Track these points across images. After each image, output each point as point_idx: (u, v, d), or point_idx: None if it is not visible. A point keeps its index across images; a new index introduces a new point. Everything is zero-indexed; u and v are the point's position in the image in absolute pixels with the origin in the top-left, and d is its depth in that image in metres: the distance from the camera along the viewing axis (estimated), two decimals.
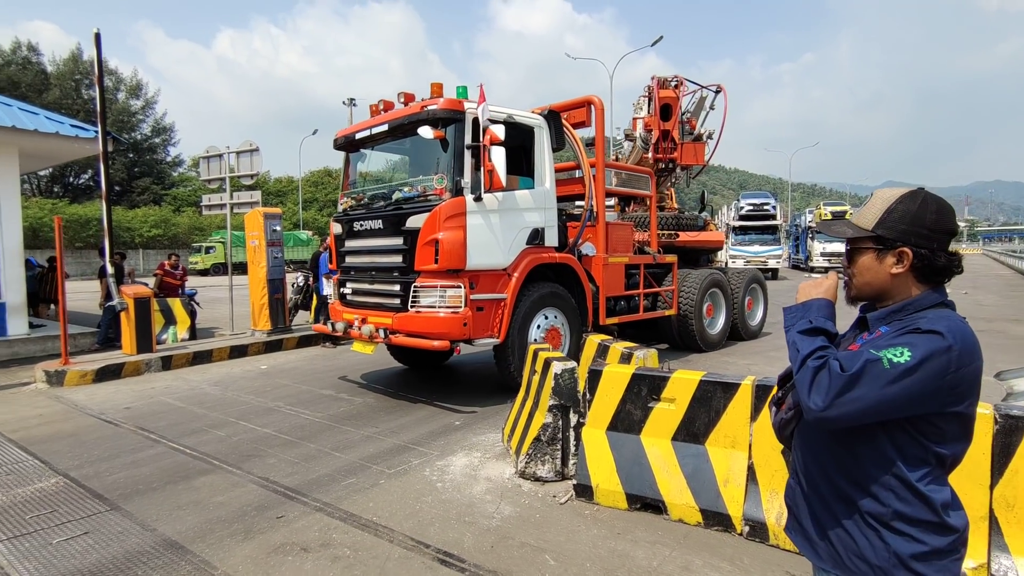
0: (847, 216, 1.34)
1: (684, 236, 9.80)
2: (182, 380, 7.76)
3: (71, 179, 46.96)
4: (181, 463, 4.65)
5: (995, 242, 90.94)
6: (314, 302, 11.07)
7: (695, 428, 3.57)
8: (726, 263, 27.14)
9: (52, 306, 12.62)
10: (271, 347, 9.87)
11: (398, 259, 6.15)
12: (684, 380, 3.62)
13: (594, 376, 3.94)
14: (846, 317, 1.54)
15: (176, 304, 10.21)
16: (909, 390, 1.22)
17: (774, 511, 3.23)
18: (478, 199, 5.78)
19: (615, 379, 3.86)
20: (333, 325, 6.69)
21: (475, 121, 5.77)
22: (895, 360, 1.23)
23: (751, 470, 3.37)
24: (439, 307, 5.73)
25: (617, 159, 10.72)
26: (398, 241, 6.10)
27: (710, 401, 3.52)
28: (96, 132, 9.33)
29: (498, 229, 6.05)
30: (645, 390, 3.74)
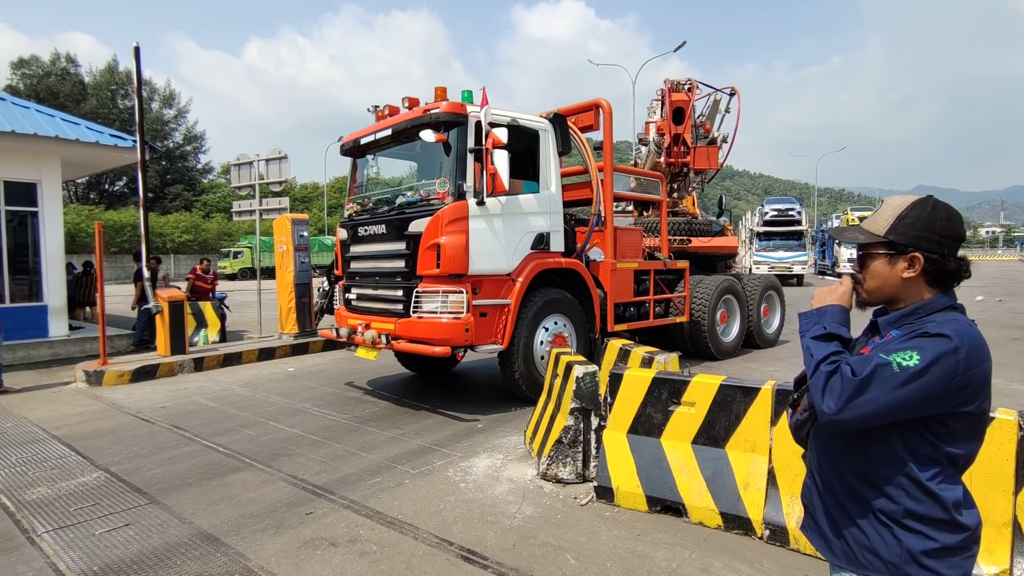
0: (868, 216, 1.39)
1: (696, 242, 9.68)
2: (213, 381, 8.01)
3: (107, 186, 48.45)
4: (215, 460, 4.83)
5: None
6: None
7: (715, 432, 3.61)
8: (749, 269, 26.87)
9: (88, 309, 13.08)
10: (298, 350, 10.09)
11: (401, 264, 6.11)
12: (704, 384, 3.66)
13: (615, 380, 4.00)
14: (861, 322, 1.60)
15: (207, 308, 10.53)
16: (919, 392, 1.27)
17: (794, 515, 3.25)
18: (481, 203, 5.74)
19: (636, 383, 3.91)
20: (337, 331, 6.68)
21: (478, 125, 5.77)
22: (904, 364, 1.27)
23: (771, 474, 3.40)
24: (441, 312, 5.67)
25: (636, 164, 10.66)
26: (401, 246, 6.06)
27: (730, 405, 3.56)
28: (133, 141, 9.70)
29: (501, 233, 6.00)
30: (665, 394, 3.79)
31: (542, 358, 6.23)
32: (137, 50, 8.87)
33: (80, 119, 10.69)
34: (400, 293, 6.11)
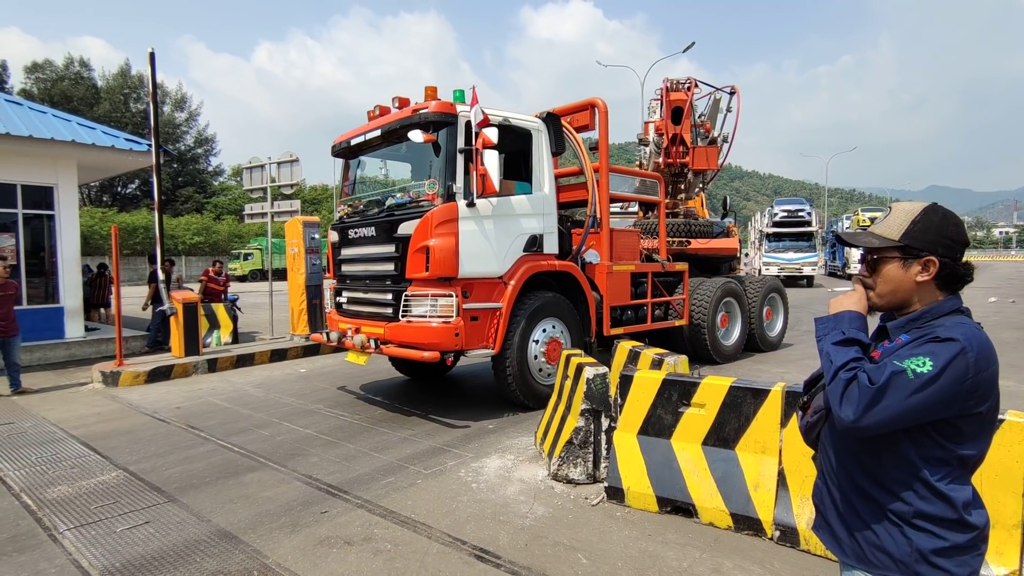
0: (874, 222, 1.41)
1: (696, 243, 9.52)
2: (227, 382, 8.11)
3: (119, 189, 48.99)
4: (230, 460, 4.91)
5: None
6: None
7: (725, 433, 3.64)
8: (759, 270, 26.76)
9: (103, 310, 13.27)
10: (309, 351, 10.19)
11: (390, 267, 6.00)
12: (715, 386, 3.69)
13: (625, 381, 4.04)
14: (870, 328, 1.63)
15: (220, 309, 10.66)
16: (933, 397, 1.30)
17: (805, 516, 3.27)
18: (471, 205, 5.63)
19: (646, 384, 3.94)
20: (327, 335, 6.56)
21: (468, 124, 5.65)
22: (918, 370, 1.31)
23: (781, 475, 3.42)
24: (430, 316, 5.58)
25: (641, 165, 10.53)
26: (390, 248, 5.96)
27: (740, 407, 3.59)
28: (148, 145, 9.84)
29: (492, 236, 5.88)
30: (676, 395, 3.82)
31: (535, 356, 6.17)
32: (152, 56, 9.01)
33: (95, 123, 10.86)
34: (389, 296, 6.02)
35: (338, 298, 6.86)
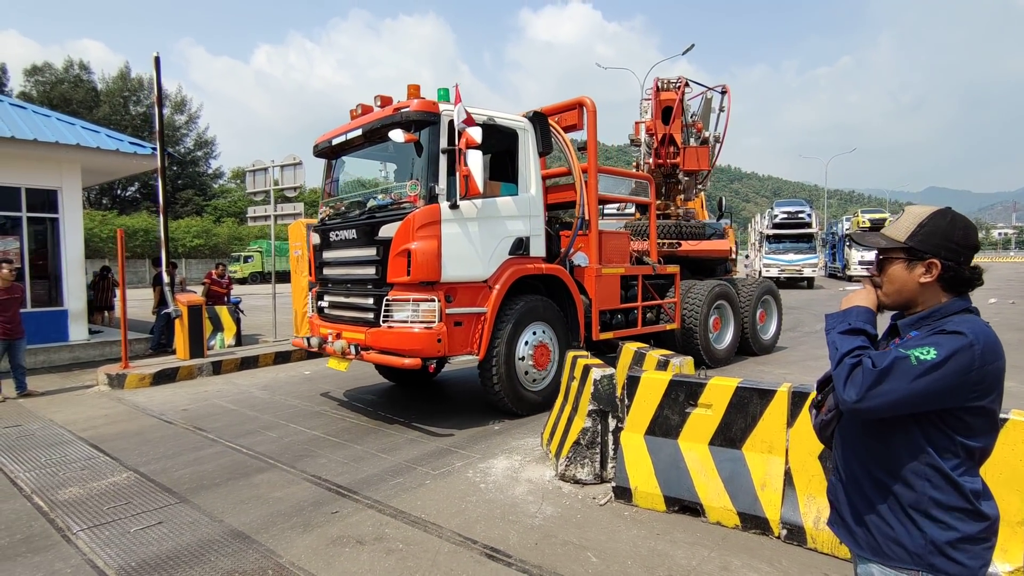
0: (887, 223, 1.47)
1: (686, 245, 9.35)
2: (232, 384, 8.14)
3: (119, 191, 49.01)
4: (240, 461, 4.95)
5: None
6: None
7: (732, 433, 3.68)
8: (759, 272, 26.81)
9: (106, 313, 13.30)
10: (313, 353, 10.18)
11: (371, 271, 5.83)
12: (721, 387, 3.73)
13: (632, 382, 4.08)
14: (882, 327, 1.68)
15: (223, 312, 10.69)
16: (935, 385, 1.35)
17: (811, 515, 3.32)
18: (454, 206, 5.49)
19: (653, 385, 3.99)
20: (308, 340, 6.40)
21: (451, 124, 5.49)
22: (922, 357, 1.36)
23: (788, 475, 3.46)
24: (412, 322, 5.41)
25: (638, 167, 10.40)
26: (371, 252, 5.78)
27: (747, 407, 3.63)
28: (152, 149, 9.88)
29: (477, 238, 5.73)
30: (682, 396, 3.87)
31: (522, 362, 6.03)
32: (157, 60, 9.05)
33: (99, 127, 10.91)
34: (371, 301, 5.84)
35: (319, 302, 6.68)
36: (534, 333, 6.15)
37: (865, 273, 27.61)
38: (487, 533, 3.56)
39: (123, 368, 8.25)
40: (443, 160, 5.53)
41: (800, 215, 27.27)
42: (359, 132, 6.03)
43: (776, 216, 27.51)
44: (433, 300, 5.40)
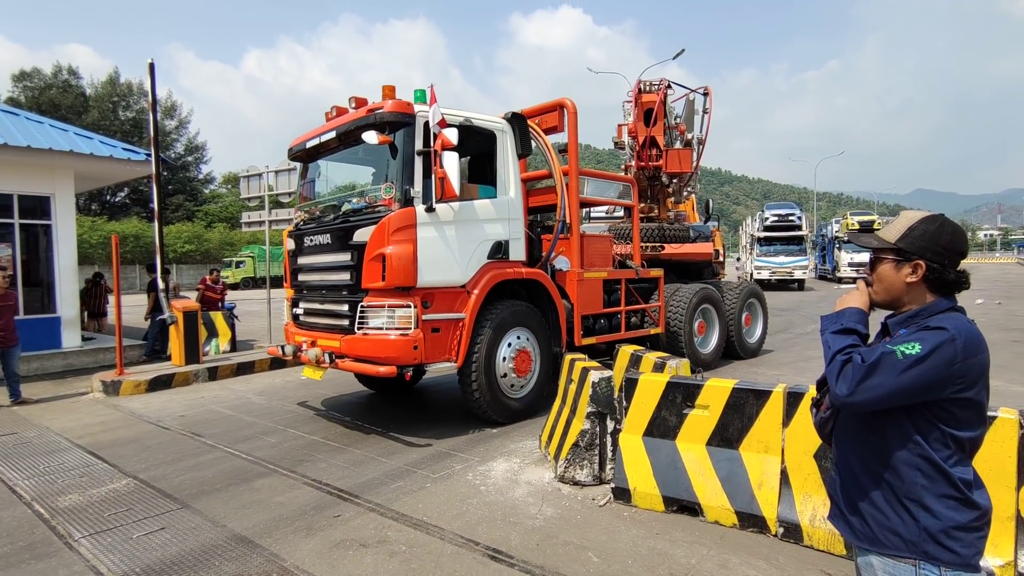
0: (875, 226, 1.54)
1: (670, 248, 9.25)
2: (228, 390, 8.14)
3: (108, 197, 48.64)
4: (239, 467, 4.96)
5: None
6: None
7: (729, 433, 3.75)
8: (751, 274, 27.03)
9: (98, 319, 13.21)
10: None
11: (346, 276, 5.69)
12: (718, 388, 3.80)
13: (630, 384, 4.15)
14: (875, 327, 1.76)
15: (218, 318, 10.67)
16: (921, 377, 1.43)
17: (807, 513, 3.38)
18: (430, 209, 5.37)
19: (651, 387, 4.05)
20: (283, 348, 6.20)
21: (427, 125, 5.37)
22: (908, 352, 1.45)
23: (784, 474, 3.53)
24: (387, 328, 5.27)
25: (627, 171, 10.27)
26: (345, 257, 5.66)
27: (743, 408, 3.70)
28: (146, 155, 9.86)
29: (454, 242, 5.61)
30: (680, 397, 3.93)
31: (503, 369, 5.91)
32: (152, 67, 9.05)
33: (93, 133, 10.88)
34: (346, 308, 5.71)
35: (295, 309, 6.53)
36: (516, 339, 6.05)
37: (854, 274, 27.92)
38: (489, 535, 3.60)
39: (118, 375, 8.23)
40: (418, 162, 5.42)
41: (790, 218, 27.56)
42: (333, 135, 5.92)
43: (767, 219, 27.78)
44: (409, 306, 5.27)
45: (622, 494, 4.00)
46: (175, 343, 9.00)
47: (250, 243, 40.38)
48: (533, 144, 6.70)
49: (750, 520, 3.55)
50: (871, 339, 1.72)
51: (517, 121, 6.33)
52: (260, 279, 37.43)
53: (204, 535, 3.70)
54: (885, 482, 1.56)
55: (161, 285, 9.51)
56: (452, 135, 5.20)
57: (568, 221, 6.77)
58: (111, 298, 10.28)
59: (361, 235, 5.44)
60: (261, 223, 11.08)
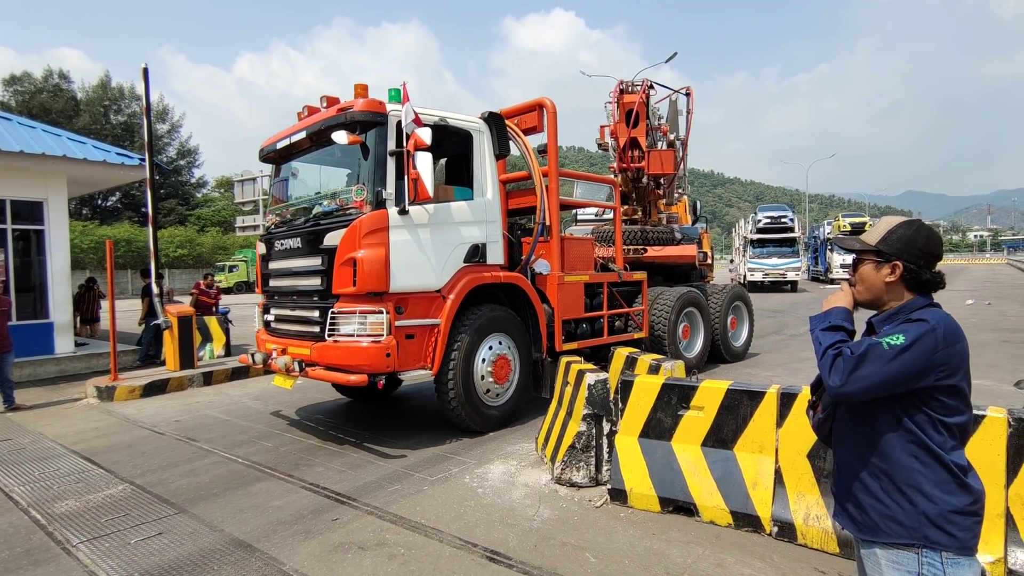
0: (866, 227, 1.64)
1: (652, 251, 9.12)
2: (223, 395, 8.13)
3: (99, 201, 48.37)
4: (236, 471, 4.96)
5: (1020, 251, 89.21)
6: None
7: (723, 434, 3.79)
8: (744, 276, 27.19)
9: (90, 325, 13.15)
10: None
11: (317, 281, 5.52)
12: (712, 389, 3.85)
13: (626, 386, 4.19)
14: (860, 326, 1.81)
15: (213, 322, 10.65)
16: (907, 365, 1.53)
17: (801, 512, 3.43)
18: (403, 212, 5.21)
19: (646, 389, 4.09)
20: (253, 356, 6.05)
21: (400, 125, 5.21)
22: (892, 343, 1.56)
23: (778, 474, 3.58)
24: (359, 335, 5.10)
25: (616, 173, 10.13)
26: (316, 261, 5.49)
27: (737, 408, 3.75)
28: (140, 159, 9.85)
29: (428, 245, 5.46)
30: (675, 399, 3.98)
31: (481, 376, 5.77)
32: (146, 71, 9.04)
33: (85, 138, 10.85)
34: (316, 314, 5.51)
35: (266, 316, 6.35)
36: (495, 345, 5.91)
37: (847, 276, 28.17)
38: (487, 536, 3.62)
39: (112, 380, 8.20)
40: (391, 163, 5.27)
41: (783, 220, 27.74)
42: (303, 135, 5.76)
43: (760, 221, 27.95)
44: (381, 312, 5.10)
45: (618, 495, 4.04)
46: (169, 348, 8.97)
47: (243, 247, 40.21)
48: (512, 145, 6.59)
49: (745, 520, 3.59)
50: (858, 338, 1.79)
51: (494, 121, 6.19)
52: (254, 283, 37.28)
53: (202, 540, 3.70)
54: (883, 472, 1.63)
55: (155, 290, 9.48)
56: (425, 135, 5.05)
57: (548, 223, 6.61)
58: (104, 303, 10.24)
59: (332, 239, 5.28)
60: (256, 227, 11.08)
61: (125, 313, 18.02)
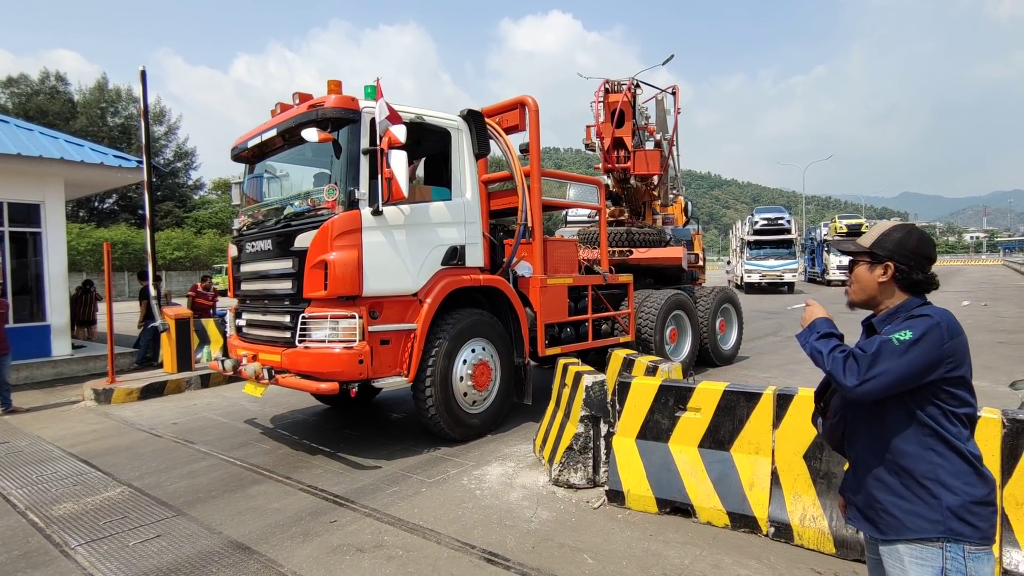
0: (863, 229, 1.69)
1: (638, 253, 8.91)
2: (221, 397, 8.12)
3: (96, 204, 48.26)
4: (234, 473, 4.97)
5: (1016, 252, 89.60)
6: None
7: (720, 435, 3.81)
8: (741, 278, 27.25)
9: (87, 328, 13.12)
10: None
11: (287, 285, 5.32)
12: (709, 390, 3.87)
13: (623, 388, 4.20)
14: (854, 328, 1.84)
15: (210, 324, 10.63)
16: (919, 359, 1.58)
17: (797, 512, 3.45)
18: (377, 212, 5.02)
19: (643, 390, 4.11)
20: (223, 362, 5.85)
21: (374, 122, 5.01)
22: (902, 338, 1.61)
23: (775, 474, 3.60)
24: (330, 341, 4.93)
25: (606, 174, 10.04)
26: (287, 264, 5.29)
27: (734, 410, 3.77)
28: (137, 162, 9.85)
29: (404, 247, 5.26)
30: (672, 400, 4.00)
31: (461, 382, 5.59)
32: (144, 74, 9.05)
33: (82, 140, 10.85)
34: (287, 319, 5.32)
35: (238, 320, 6.13)
36: (473, 351, 5.72)
37: (843, 277, 28.27)
38: (485, 538, 3.63)
39: (110, 383, 8.19)
40: (364, 162, 5.06)
41: (780, 221, 27.82)
42: (274, 132, 5.55)
43: (757, 223, 28.02)
44: (354, 317, 4.91)
45: (616, 496, 4.05)
46: (167, 350, 8.97)
47: None
48: (492, 144, 6.41)
49: (742, 520, 3.61)
50: (858, 338, 1.82)
51: (474, 119, 6.00)
52: None
53: (200, 542, 3.71)
54: (903, 469, 1.66)
55: (153, 292, 9.48)
56: (400, 132, 4.85)
57: (530, 224, 6.40)
58: (101, 306, 10.23)
59: (302, 240, 5.10)
60: None
61: (123, 316, 18.01)
